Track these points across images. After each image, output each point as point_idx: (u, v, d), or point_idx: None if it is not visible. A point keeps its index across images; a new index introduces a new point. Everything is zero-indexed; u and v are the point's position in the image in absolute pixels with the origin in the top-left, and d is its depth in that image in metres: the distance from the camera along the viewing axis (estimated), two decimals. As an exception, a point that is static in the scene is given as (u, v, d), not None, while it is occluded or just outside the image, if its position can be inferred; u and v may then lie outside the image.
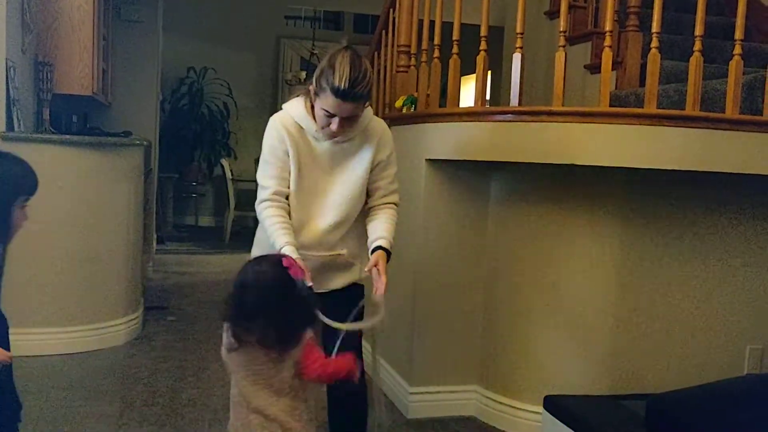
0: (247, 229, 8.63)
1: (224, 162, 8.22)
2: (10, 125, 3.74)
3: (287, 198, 2.26)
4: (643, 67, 3.41)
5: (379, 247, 2.27)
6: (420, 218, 3.16)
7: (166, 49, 6.81)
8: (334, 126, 2.17)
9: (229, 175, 8.05)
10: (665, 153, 2.59)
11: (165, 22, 6.54)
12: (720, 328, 3.01)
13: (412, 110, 3.31)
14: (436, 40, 3.20)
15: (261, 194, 2.27)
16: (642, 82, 3.51)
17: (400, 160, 3.46)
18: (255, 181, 7.89)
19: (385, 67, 3.85)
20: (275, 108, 10.56)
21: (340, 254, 2.33)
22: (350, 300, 2.34)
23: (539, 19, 4.46)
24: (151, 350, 3.99)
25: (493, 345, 3.16)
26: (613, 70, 3.02)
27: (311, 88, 2.20)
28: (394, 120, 3.53)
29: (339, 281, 2.37)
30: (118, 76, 5.86)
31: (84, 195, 3.81)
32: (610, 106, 2.77)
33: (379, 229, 2.33)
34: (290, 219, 2.24)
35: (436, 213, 3.15)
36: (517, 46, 2.85)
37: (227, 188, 8.06)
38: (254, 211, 7.89)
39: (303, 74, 8.63)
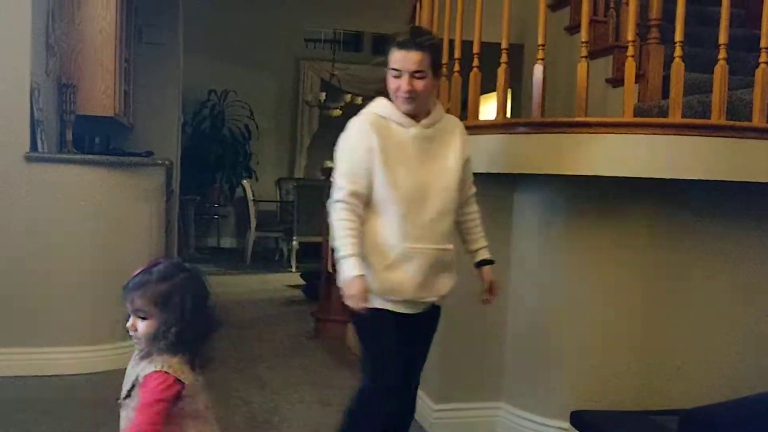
0: (268, 249, 8.66)
1: (245, 183, 8.27)
2: (34, 145, 3.79)
3: (364, 201, 2.24)
4: (666, 79, 3.37)
5: (486, 261, 2.47)
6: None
7: (187, 72, 6.88)
8: (404, 85, 2.19)
9: (250, 196, 8.10)
10: (691, 163, 2.56)
11: (186, 44, 6.62)
12: (750, 341, 2.94)
13: (432, 125, 3.30)
14: (456, 54, 3.19)
15: (336, 194, 2.23)
16: (665, 95, 3.47)
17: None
18: (275, 201, 7.95)
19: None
20: (296, 129, 10.75)
21: (447, 249, 2.34)
22: (433, 325, 2.49)
23: (559, 35, 4.45)
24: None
25: (518, 361, 3.11)
26: (635, 83, 2.99)
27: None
28: (415, 135, 3.53)
29: (444, 285, 2.39)
30: (140, 99, 5.92)
31: (106, 214, 3.83)
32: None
33: (480, 235, 2.50)
34: (360, 224, 2.22)
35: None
36: (539, 57, 2.84)
37: (248, 209, 8.11)
38: (274, 231, 7.95)
39: (323, 95, 8.68)
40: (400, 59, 2.20)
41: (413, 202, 2.25)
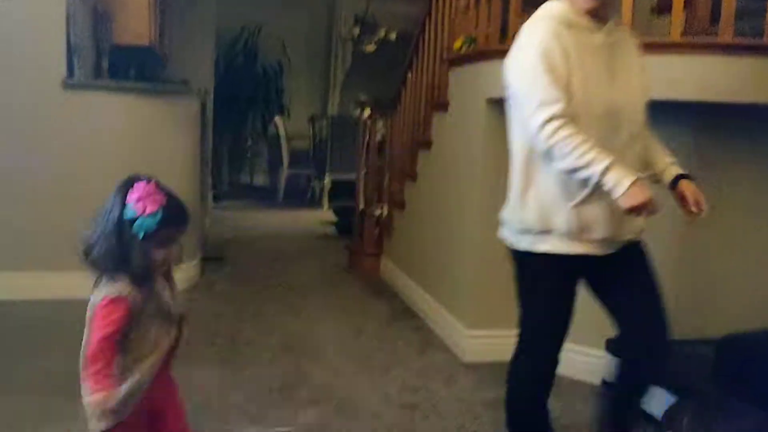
0: (300, 187, 8.69)
1: (278, 120, 8.24)
2: (71, 72, 3.80)
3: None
4: (714, 6, 3.26)
5: (683, 176, 2.03)
6: (479, 162, 3.10)
7: (220, 6, 6.81)
8: None
9: (282, 133, 8.08)
10: (742, 85, 2.47)
11: (220, -23, 6.54)
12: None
13: (471, 50, 3.24)
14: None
15: (540, 113, 1.79)
16: (714, 22, 3.36)
17: (459, 102, 3.42)
18: (308, 138, 7.86)
19: (444, 10, 3.77)
20: (329, 65, 10.62)
21: (642, 177, 1.89)
22: (637, 260, 2.08)
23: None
24: (210, 296, 4.05)
25: (552, 290, 3.10)
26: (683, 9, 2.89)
27: None
28: (453, 62, 3.47)
29: (638, 222, 1.99)
30: (175, 32, 5.88)
31: (142, 141, 3.85)
32: (682, 44, 2.66)
33: (663, 152, 2.09)
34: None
35: (496, 155, 3.07)
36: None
37: (281, 147, 8.10)
38: (307, 169, 7.91)
39: (357, 30, 8.54)
40: None
41: (607, 122, 1.86)
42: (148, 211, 1.56)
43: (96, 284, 1.59)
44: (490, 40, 3.13)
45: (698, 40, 2.68)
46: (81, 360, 1.56)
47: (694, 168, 2.78)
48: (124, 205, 1.56)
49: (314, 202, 8.06)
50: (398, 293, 4.25)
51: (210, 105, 6.18)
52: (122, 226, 1.55)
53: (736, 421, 2.26)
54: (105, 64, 4.42)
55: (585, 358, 2.95)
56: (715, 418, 1.09)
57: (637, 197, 1.74)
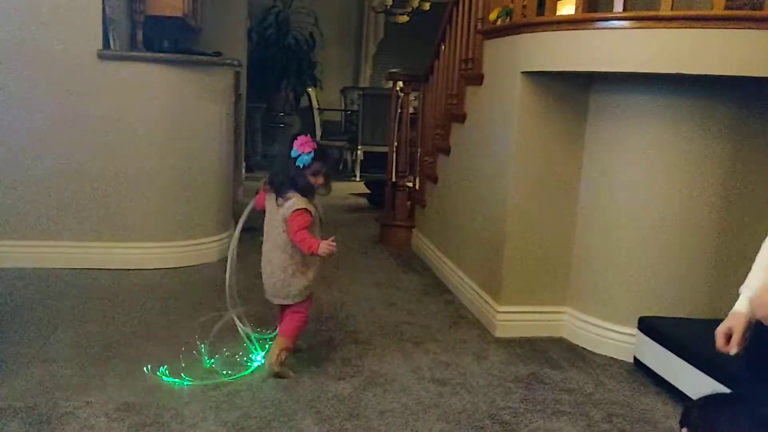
0: (332, 158, 8.69)
1: (310, 92, 8.23)
2: (106, 43, 3.82)
3: None
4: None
5: None
6: (514, 136, 3.06)
7: (252, -24, 6.80)
8: None
9: (315, 104, 8.07)
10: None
11: (252, -53, 6.51)
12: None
13: (507, 22, 3.18)
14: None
15: None
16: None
17: (494, 75, 3.37)
18: (340, 110, 7.91)
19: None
20: (361, 36, 10.53)
21: None
22: None
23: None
24: (242, 266, 4.06)
25: (585, 266, 3.07)
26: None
27: None
28: (488, 33, 3.42)
29: None
30: (207, 3, 5.90)
31: (176, 113, 3.87)
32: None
33: None
34: None
35: (531, 130, 3.04)
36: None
37: (313, 118, 8.10)
38: (339, 140, 7.90)
39: (390, 0, 8.47)
40: None
41: None
42: (306, 150, 2.46)
43: (280, 204, 2.52)
44: (527, 12, 3.08)
45: (742, 13, 2.57)
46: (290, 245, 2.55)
47: (734, 144, 2.73)
48: (291, 148, 2.47)
49: (346, 174, 8.08)
50: (429, 266, 4.25)
51: (243, 77, 6.18)
52: (290, 161, 2.47)
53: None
54: (140, 35, 4.45)
55: (618, 336, 2.93)
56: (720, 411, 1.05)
57: None
